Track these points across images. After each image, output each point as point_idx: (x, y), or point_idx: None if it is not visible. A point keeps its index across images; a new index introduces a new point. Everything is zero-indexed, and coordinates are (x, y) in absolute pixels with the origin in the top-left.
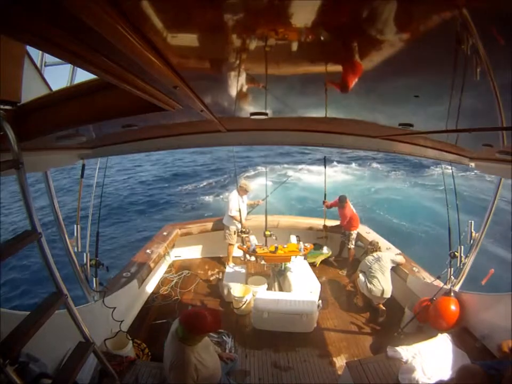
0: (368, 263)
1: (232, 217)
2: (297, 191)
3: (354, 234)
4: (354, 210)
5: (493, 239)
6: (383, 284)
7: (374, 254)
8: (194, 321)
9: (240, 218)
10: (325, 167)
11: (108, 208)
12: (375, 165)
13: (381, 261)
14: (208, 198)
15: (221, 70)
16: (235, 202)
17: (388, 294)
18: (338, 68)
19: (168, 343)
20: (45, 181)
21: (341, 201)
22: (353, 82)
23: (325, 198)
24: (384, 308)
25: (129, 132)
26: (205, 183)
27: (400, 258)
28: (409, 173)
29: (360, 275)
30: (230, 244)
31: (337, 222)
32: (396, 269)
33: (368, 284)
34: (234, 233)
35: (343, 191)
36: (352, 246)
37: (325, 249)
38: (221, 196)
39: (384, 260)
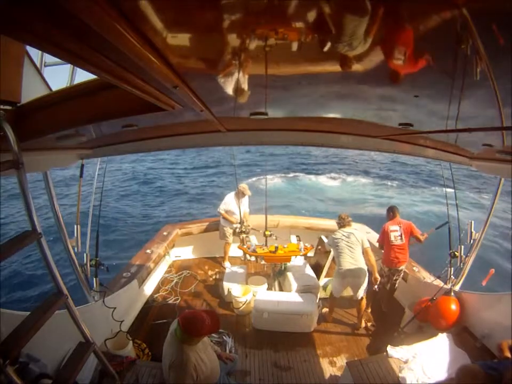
0: (335, 240)
1: (221, 215)
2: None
3: None
4: None
5: None
6: (350, 264)
7: (344, 229)
8: (192, 324)
9: (241, 218)
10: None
11: None
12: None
13: (350, 238)
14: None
15: (221, 69)
16: (224, 202)
17: (359, 278)
18: (338, 67)
19: (168, 342)
20: (45, 181)
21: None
22: (353, 81)
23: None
24: (363, 304)
25: (129, 132)
26: None
27: (368, 243)
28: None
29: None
30: (227, 243)
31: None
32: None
33: (337, 266)
34: (230, 232)
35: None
36: None
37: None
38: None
39: (354, 238)
